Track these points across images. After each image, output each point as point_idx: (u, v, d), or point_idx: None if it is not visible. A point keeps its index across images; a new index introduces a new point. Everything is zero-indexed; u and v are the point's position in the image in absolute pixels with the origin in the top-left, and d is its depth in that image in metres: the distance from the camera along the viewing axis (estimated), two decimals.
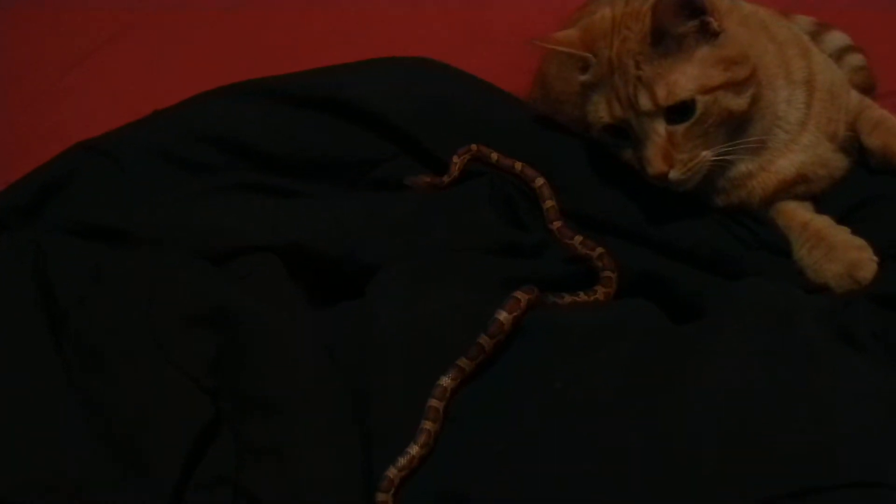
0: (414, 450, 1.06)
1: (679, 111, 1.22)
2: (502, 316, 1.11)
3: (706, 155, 1.25)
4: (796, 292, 1.21)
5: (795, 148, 1.31)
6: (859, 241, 1.26)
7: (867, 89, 1.52)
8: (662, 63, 1.22)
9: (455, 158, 1.37)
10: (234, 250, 1.27)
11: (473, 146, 1.37)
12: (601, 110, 1.26)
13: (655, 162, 1.23)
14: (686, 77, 1.22)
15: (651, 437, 1.02)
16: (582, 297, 1.22)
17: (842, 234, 1.27)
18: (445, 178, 1.37)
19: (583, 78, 1.30)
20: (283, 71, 1.51)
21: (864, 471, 0.96)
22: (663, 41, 1.22)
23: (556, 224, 1.30)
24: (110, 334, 1.16)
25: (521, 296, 1.13)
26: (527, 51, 1.64)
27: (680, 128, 1.23)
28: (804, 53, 1.34)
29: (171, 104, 1.48)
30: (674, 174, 1.24)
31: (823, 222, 1.30)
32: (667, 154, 1.23)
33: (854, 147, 1.37)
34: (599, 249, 1.26)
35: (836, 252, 1.25)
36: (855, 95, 1.40)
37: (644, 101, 1.22)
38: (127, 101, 1.63)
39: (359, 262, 1.26)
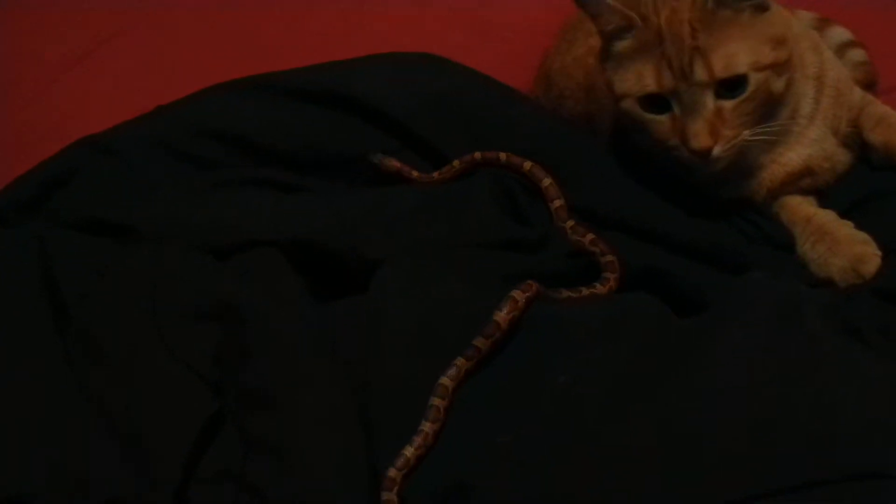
0: (409, 451, 1.06)
1: (729, 86, 1.21)
2: (499, 317, 1.11)
3: (746, 135, 1.24)
4: (799, 286, 1.20)
5: (804, 141, 1.31)
6: (863, 236, 1.26)
7: (869, 85, 1.52)
8: (719, 34, 1.20)
9: (435, 174, 1.37)
10: (237, 245, 1.26)
11: (456, 162, 1.37)
12: (647, 78, 1.23)
13: (703, 136, 1.21)
14: (743, 51, 1.20)
15: (654, 431, 1.02)
16: (598, 287, 1.22)
17: (846, 229, 1.28)
18: (415, 174, 1.37)
19: (621, 45, 1.26)
20: (286, 66, 1.51)
21: (866, 463, 0.95)
22: (720, 11, 1.21)
23: (570, 223, 1.30)
24: (114, 329, 1.16)
25: (519, 295, 1.13)
26: (529, 47, 1.66)
27: (729, 104, 1.22)
28: (816, 49, 1.35)
29: (174, 100, 1.48)
30: (717, 150, 1.22)
31: (827, 217, 1.30)
32: (714, 129, 1.22)
33: (856, 143, 1.37)
34: (604, 249, 1.26)
35: (840, 246, 1.25)
36: (858, 92, 1.40)
37: (699, 72, 1.20)
38: (127, 98, 1.63)
39: (361, 257, 1.25)
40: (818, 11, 1.61)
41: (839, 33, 1.58)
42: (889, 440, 0.98)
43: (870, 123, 1.36)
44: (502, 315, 1.11)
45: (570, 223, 1.29)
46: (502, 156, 1.35)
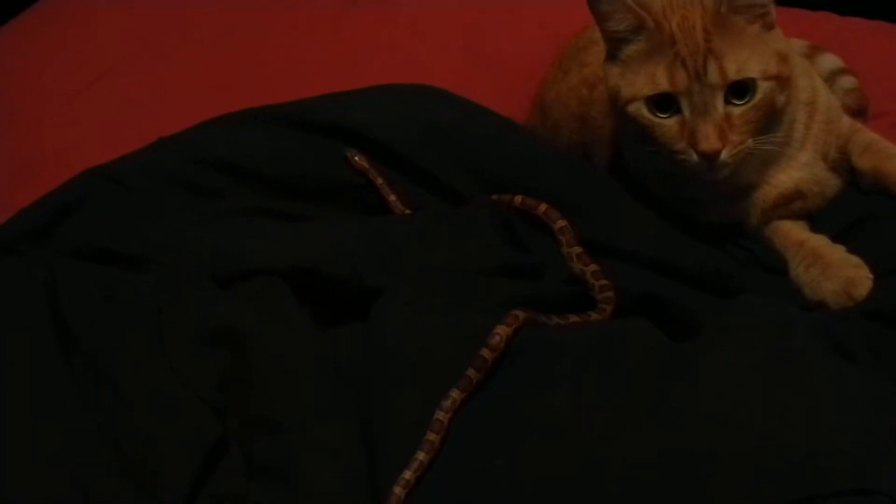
0: (408, 475, 1.07)
1: (737, 92, 1.23)
2: (485, 353, 1.13)
3: (750, 143, 1.25)
4: (791, 308, 1.22)
5: (795, 164, 1.34)
6: (855, 259, 1.28)
7: (859, 111, 1.54)
8: (731, 40, 1.23)
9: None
10: (240, 273, 1.28)
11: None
12: (660, 77, 1.24)
13: (712, 138, 1.23)
14: (753, 58, 1.23)
15: (649, 452, 1.04)
16: (592, 316, 1.23)
17: (838, 253, 1.30)
18: (380, 180, 1.41)
19: (629, 49, 1.27)
20: (286, 97, 1.53)
21: (858, 479, 0.97)
22: (732, 18, 1.23)
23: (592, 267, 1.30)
24: (121, 355, 1.17)
25: (503, 330, 1.15)
26: (525, 77, 1.68)
27: (737, 109, 1.23)
28: (808, 75, 1.37)
29: (177, 130, 1.50)
30: (725, 154, 1.23)
31: (819, 241, 1.32)
32: (723, 132, 1.23)
33: (845, 168, 1.39)
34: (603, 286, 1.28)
35: (833, 270, 1.27)
36: (846, 119, 1.42)
37: (713, 73, 1.22)
38: (133, 126, 1.64)
39: (362, 284, 1.27)
40: (808, 38, 1.64)
41: (830, 60, 1.60)
42: (879, 458, 1.00)
43: (858, 150, 1.38)
44: (488, 352, 1.13)
45: (589, 266, 1.30)
46: (517, 199, 1.36)
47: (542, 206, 1.35)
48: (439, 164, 1.42)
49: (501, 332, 1.14)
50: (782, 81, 1.26)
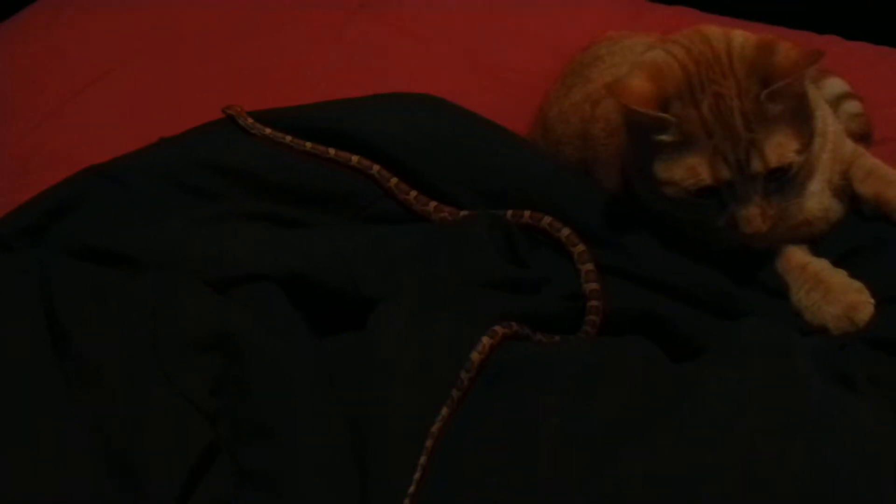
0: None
1: (775, 171, 1.24)
2: (474, 356, 1.13)
3: (783, 206, 1.27)
4: (793, 333, 1.22)
5: (805, 193, 1.33)
6: (857, 284, 1.28)
7: (863, 136, 1.54)
8: (771, 126, 1.23)
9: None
10: (236, 278, 1.27)
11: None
12: (702, 173, 1.23)
13: (756, 221, 1.24)
14: (790, 139, 1.23)
15: (648, 474, 1.03)
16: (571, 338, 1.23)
17: (840, 277, 1.29)
18: (290, 139, 1.45)
19: (660, 137, 1.25)
20: (288, 102, 1.54)
21: None
22: (770, 105, 1.23)
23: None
24: (113, 357, 1.16)
25: (486, 340, 1.15)
26: (529, 90, 1.67)
27: (774, 186, 1.25)
28: (819, 105, 1.36)
29: (176, 132, 1.50)
30: (767, 231, 1.25)
31: (822, 265, 1.31)
32: (764, 213, 1.24)
33: (847, 194, 1.39)
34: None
35: (834, 294, 1.27)
36: (849, 145, 1.42)
37: (756, 164, 1.22)
38: (133, 128, 1.63)
39: (360, 294, 1.26)
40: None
41: (836, 84, 1.60)
42: (876, 486, 1.00)
43: (860, 175, 1.38)
44: (476, 355, 1.14)
45: (586, 264, 1.30)
46: (546, 219, 1.35)
47: (580, 248, 1.33)
48: (440, 173, 1.42)
49: (485, 341, 1.14)
50: (806, 142, 1.26)
